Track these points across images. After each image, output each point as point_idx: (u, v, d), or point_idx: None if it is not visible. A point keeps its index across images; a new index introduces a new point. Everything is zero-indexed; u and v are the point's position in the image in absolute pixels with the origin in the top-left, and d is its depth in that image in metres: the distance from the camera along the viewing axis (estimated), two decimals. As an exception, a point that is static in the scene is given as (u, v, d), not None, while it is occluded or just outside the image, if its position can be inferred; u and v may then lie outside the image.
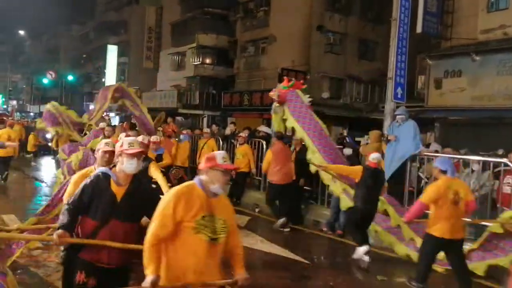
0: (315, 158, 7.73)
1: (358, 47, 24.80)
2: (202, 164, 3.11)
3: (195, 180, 3.10)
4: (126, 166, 3.37)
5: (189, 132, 13.97)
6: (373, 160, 6.95)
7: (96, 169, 3.85)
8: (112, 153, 3.89)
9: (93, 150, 7.62)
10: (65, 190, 4.55)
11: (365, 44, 25.01)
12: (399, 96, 10.19)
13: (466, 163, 7.90)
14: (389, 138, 8.52)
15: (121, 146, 3.42)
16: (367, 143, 9.78)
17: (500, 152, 9.58)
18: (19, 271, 5.17)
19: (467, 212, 5.60)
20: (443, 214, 5.37)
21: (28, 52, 65.08)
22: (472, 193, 5.95)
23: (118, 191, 3.38)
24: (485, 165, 7.56)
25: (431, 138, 15.58)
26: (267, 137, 12.28)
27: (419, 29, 14.42)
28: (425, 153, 8.51)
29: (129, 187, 3.42)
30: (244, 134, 12.02)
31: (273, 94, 8.40)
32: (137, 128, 10.86)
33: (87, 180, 3.43)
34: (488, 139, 12.66)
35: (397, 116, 8.64)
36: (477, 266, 6.17)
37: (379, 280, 6.27)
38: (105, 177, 3.41)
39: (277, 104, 8.42)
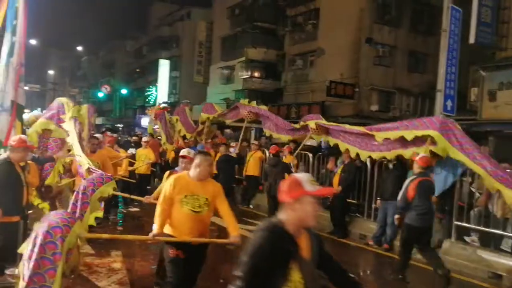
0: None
1: (408, 59, 24.32)
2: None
3: None
4: None
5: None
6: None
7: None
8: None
9: None
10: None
11: (415, 56, 24.51)
12: (448, 108, 9.97)
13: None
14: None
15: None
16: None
17: (559, 167, 9.11)
18: (71, 276, 5.37)
19: None
20: None
21: (85, 67, 67.98)
22: None
23: None
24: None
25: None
26: (313, 149, 12.30)
27: (472, 39, 14.02)
28: (477, 167, 8.20)
29: None
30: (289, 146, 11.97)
31: (151, 112, 15.00)
32: None
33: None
34: (546, 154, 12.06)
35: None
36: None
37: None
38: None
39: (153, 118, 14.50)
